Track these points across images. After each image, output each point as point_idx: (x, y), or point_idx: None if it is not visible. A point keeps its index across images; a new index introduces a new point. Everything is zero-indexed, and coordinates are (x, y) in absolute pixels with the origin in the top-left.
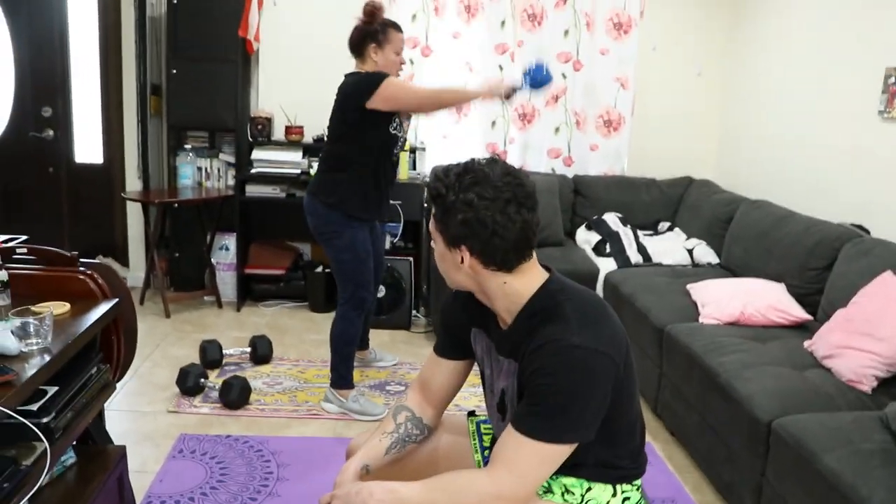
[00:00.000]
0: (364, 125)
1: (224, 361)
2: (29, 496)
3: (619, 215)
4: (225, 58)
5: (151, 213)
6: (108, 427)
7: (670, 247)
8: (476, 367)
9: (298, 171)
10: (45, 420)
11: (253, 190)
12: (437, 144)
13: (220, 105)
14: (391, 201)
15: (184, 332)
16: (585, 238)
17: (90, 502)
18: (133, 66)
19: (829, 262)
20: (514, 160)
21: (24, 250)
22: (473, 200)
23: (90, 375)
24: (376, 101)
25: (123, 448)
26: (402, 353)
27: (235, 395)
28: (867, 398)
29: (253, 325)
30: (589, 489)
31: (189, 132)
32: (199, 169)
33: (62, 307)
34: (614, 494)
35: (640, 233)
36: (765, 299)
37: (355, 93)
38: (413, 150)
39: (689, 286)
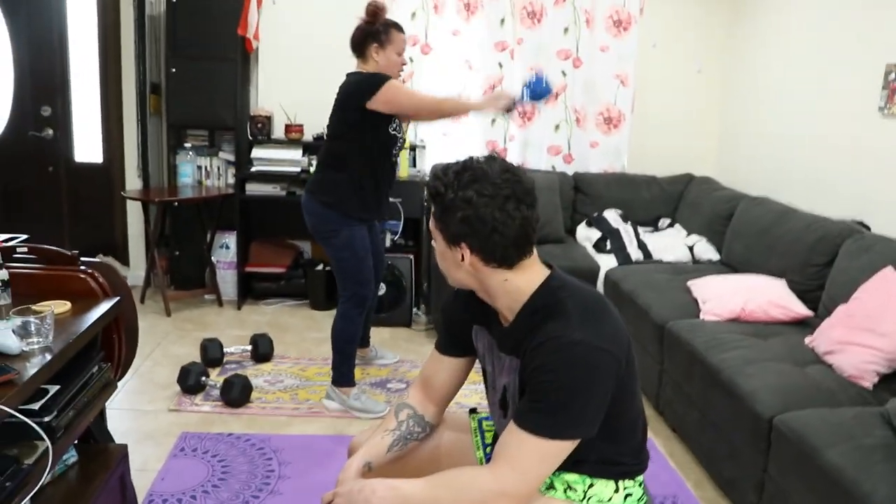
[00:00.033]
0: (364, 125)
1: (225, 360)
2: (31, 495)
3: (620, 212)
4: (224, 56)
5: (151, 211)
6: (109, 426)
7: (671, 243)
8: (477, 365)
9: (298, 170)
10: (46, 419)
11: (253, 188)
12: (437, 142)
13: (219, 103)
14: (391, 199)
15: (184, 330)
16: (586, 235)
17: (92, 501)
18: (132, 64)
19: (829, 258)
20: (514, 158)
21: (25, 249)
22: (472, 198)
23: (91, 374)
24: (377, 103)
25: (125, 447)
26: (403, 350)
27: (237, 394)
28: (868, 394)
29: (254, 323)
30: (591, 485)
31: (189, 131)
32: (199, 167)
33: (63, 306)
34: (616, 490)
35: (640, 230)
36: (766, 295)
37: (356, 93)
38: (413, 148)
39: (689, 283)
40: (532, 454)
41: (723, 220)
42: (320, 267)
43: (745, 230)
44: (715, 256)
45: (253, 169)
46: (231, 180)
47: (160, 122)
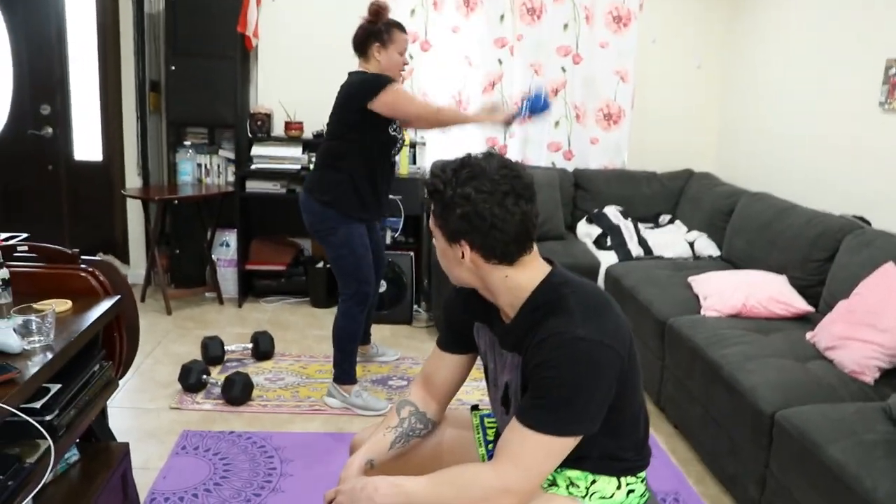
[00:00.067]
0: (364, 125)
1: (226, 358)
2: (33, 494)
3: (620, 208)
4: (224, 54)
5: (151, 209)
6: (110, 424)
7: (671, 240)
8: (479, 362)
9: (298, 167)
10: (48, 418)
11: (253, 186)
12: (436, 139)
13: (219, 101)
14: (391, 196)
15: (185, 328)
16: (586, 231)
17: (94, 499)
18: (132, 62)
19: (830, 253)
20: (514, 154)
21: (25, 248)
22: (471, 194)
23: (93, 373)
24: (377, 105)
25: (127, 445)
26: (404, 347)
27: (238, 392)
28: (870, 389)
29: (254, 321)
30: (594, 482)
31: (188, 128)
32: (199, 165)
33: (64, 304)
34: (619, 487)
35: (640, 226)
36: (766, 291)
37: (358, 93)
38: (413, 145)
39: (690, 279)
40: (535, 451)
41: (723, 215)
42: (321, 264)
43: (746, 226)
44: (715, 252)
45: (253, 166)
46: (231, 178)
47: (160, 119)
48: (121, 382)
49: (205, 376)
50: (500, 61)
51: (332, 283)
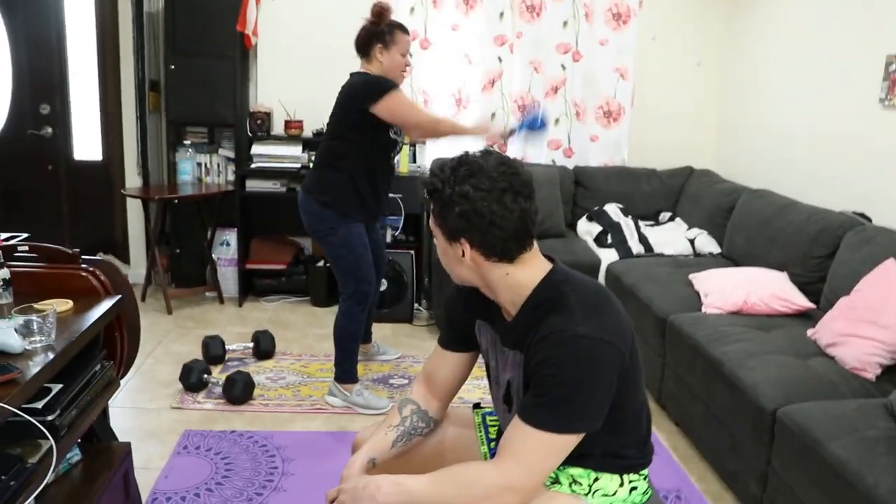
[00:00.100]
0: (364, 126)
1: (227, 357)
2: (35, 494)
3: (621, 206)
4: (223, 53)
5: (151, 209)
6: (112, 424)
7: (672, 237)
8: (480, 360)
9: (298, 166)
10: (49, 418)
11: (253, 185)
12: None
13: (219, 100)
14: (392, 194)
15: (186, 328)
16: (587, 229)
17: (96, 499)
18: (131, 62)
19: (831, 250)
20: (514, 152)
21: (26, 248)
22: (469, 192)
23: (94, 372)
24: (378, 109)
25: (128, 445)
26: (405, 346)
27: (239, 391)
28: (871, 386)
29: (255, 320)
30: (596, 479)
31: (188, 128)
32: (199, 164)
33: (65, 304)
34: (621, 484)
35: (641, 223)
36: (767, 288)
37: (359, 95)
38: (413, 144)
39: (691, 276)
40: (537, 448)
41: (723, 212)
42: (321, 263)
43: (746, 223)
44: (716, 249)
45: (253, 165)
46: (231, 177)
47: (159, 119)
48: (122, 382)
49: (206, 376)
50: (499, 59)
51: (332, 282)
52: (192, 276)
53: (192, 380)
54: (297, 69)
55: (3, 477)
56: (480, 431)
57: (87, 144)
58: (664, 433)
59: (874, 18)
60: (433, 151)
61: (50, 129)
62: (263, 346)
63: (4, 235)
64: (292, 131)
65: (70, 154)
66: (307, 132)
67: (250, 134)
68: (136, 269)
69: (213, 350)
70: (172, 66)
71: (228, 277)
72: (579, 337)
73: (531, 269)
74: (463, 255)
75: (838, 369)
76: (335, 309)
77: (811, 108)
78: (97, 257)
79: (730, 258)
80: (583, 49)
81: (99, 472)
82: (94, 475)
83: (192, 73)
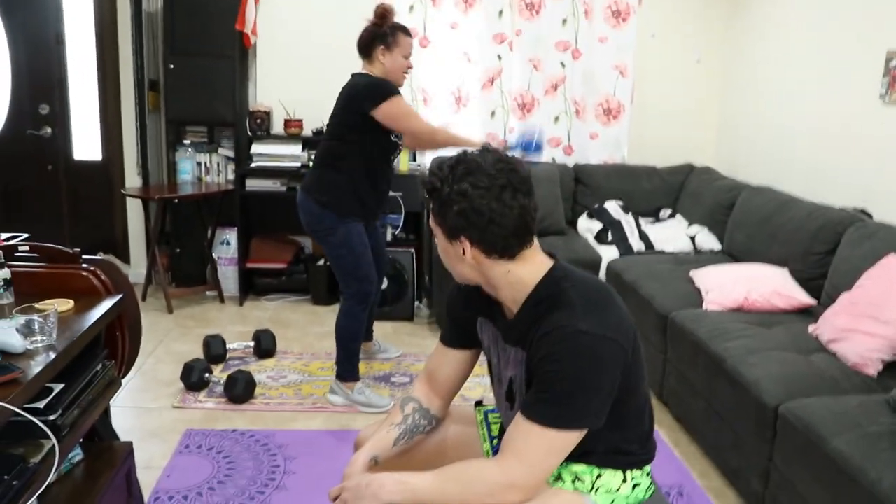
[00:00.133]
0: (364, 128)
1: (228, 356)
2: (38, 494)
3: (621, 203)
4: (222, 52)
5: (151, 209)
6: (113, 424)
7: (672, 234)
8: (482, 357)
9: (298, 165)
10: (52, 417)
11: (253, 184)
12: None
13: (218, 99)
14: (392, 193)
15: (186, 327)
16: (587, 226)
17: (98, 499)
18: (130, 62)
19: (832, 246)
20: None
21: (27, 248)
22: (468, 190)
23: (95, 372)
24: (378, 113)
25: (130, 444)
26: (406, 344)
27: (240, 390)
28: (873, 382)
29: (255, 319)
30: (599, 476)
31: (188, 127)
32: (199, 164)
33: (66, 304)
34: (624, 481)
35: (641, 220)
36: (768, 284)
37: (360, 97)
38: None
39: (692, 273)
40: (539, 445)
41: (724, 209)
42: (321, 262)
43: (747, 219)
44: (717, 246)
45: (253, 164)
46: (231, 176)
47: (159, 118)
48: (123, 382)
49: (207, 375)
50: (499, 57)
51: (332, 281)
52: (193, 275)
53: (194, 379)
54: (296, 68)
55: (5, 477)
56: (483, 429)
57: (86, 144)
58: (666, 430)
59: (874, 14)
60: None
61: (49, 129)
62: (264, 345)
63: (5, 235)
64: (292, 130)
65: (70, 154)
66: (307, 131)
67: (250, 133)
68: (136, 269)
69: (214, 349)
70: (172, 66)
71: (229, 276)
72: (581, 333)
73: (532, 266)
74: (464, 253)
75: (840, 365)
76: (336, 307)
77: (811, 105)
78: (98, 257)
79: (730, 255)
80: (582, 47)
81: (101, 472)
82: (96, 475)
83: (192, 73)
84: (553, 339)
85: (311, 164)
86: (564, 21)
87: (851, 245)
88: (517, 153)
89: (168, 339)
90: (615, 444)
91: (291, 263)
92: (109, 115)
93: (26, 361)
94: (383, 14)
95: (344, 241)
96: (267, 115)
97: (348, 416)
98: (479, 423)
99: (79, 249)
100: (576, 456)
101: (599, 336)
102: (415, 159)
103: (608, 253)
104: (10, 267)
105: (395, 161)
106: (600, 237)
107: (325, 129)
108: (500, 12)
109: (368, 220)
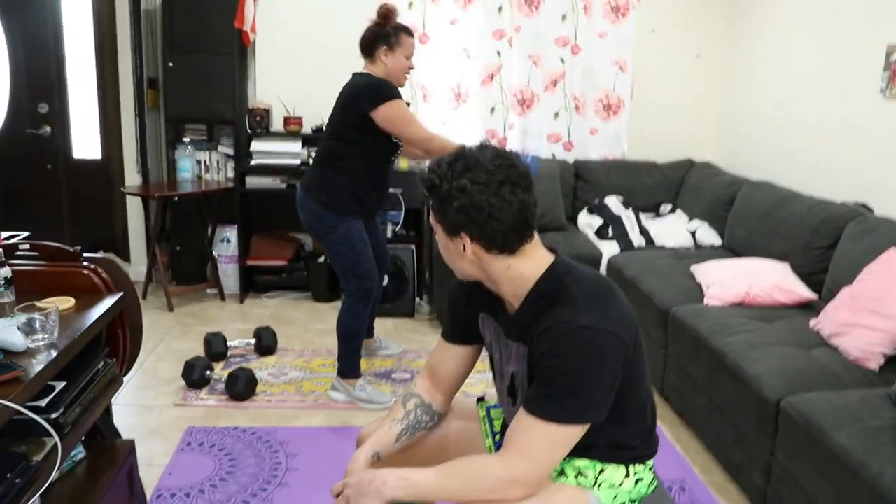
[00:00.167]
0: (365, 129)
1: (229, 354)
2: (41, 492)
3: (621, 199)
4: (221, 50)
5: (151, 207)
6: (115, 422)
7: (673, 229)
8: (484, 353)
9: (298, 162)
10: (54, 415)
11: (253, 181)
12: (436, 131)
13: (217, 97)
14: (392, 189)
15: (187, 325)
16: (587, 222)
17: (101, 496)
18: (129, 60)
19: (833, 240)
20: (514, 146)
21: (27, 246)
22: (466, 186)
23: (97, 370)
24: (376, 115)
25: (132, 442)
26: (407, 340)
27: (242, 387)
28: (874, 376)
29: (256, 316)
30: (602, 471)
31: (187, 125)
32: (199, 162)
33: (67, 302)
34: (627, 475)
35: (642, 216)
36: (769, 279)
37: (360, 98)
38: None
39: (692, 268)
40: (542, 441)
41: (724, 204)
42: (322, 259)
43: (747, 214)
44: (717, 241)
45: (252, 162)
46: (230, 174)
47: (158, 116)
48: (124, 380)
49: (208, 372)
50: (498, 53)
51: (333, 278)
52: (193, 273)
53: (195, 377)
54: (295, 65)
55: (8, 475)
56: (485, 424)
57: (86, 143)
58: (667, 425)
59: (874, 8)
60: None
61: (49, 129)
62: (265, 343)
63: (6, 234)
64: (291, 127)
65: (69, 153)
66: (306, 128)
67: (249, 131)
68: (136, 267)
69: (215, 347)
70: (171, 64)
71: (229, 274)
72: (583, 328)
73: (533, 262)
74: (464, 249)
75: (841, 359)
76: (336, 304)
77: (812, 99)
78: (98, 255)
79: (731, 250)
80: (582, 42)
81: (103, 470)
82: (98, 472)
83: (191, 71)
84: (555, 334)
85: (310, 161)
86: (564, 17)
87: (852, 239)
88: None
89: (169, 336)
90: (617, 439)
91: (292, 260)
92: (109, 114)
93: (28, 360)
94: (387, 14)
95: (344, 239)
96: (266, 113)
97: (350, 412)
98: (481, 419)
99: (80, 247)
100: (578, 451)
101: (601, 330)
102: None
103: (609, 248)
104: (10, 266)
105: (395, 162)
106: (601, 233)
107: (325, 128)
108: (500, 8)
109: (368, 218)
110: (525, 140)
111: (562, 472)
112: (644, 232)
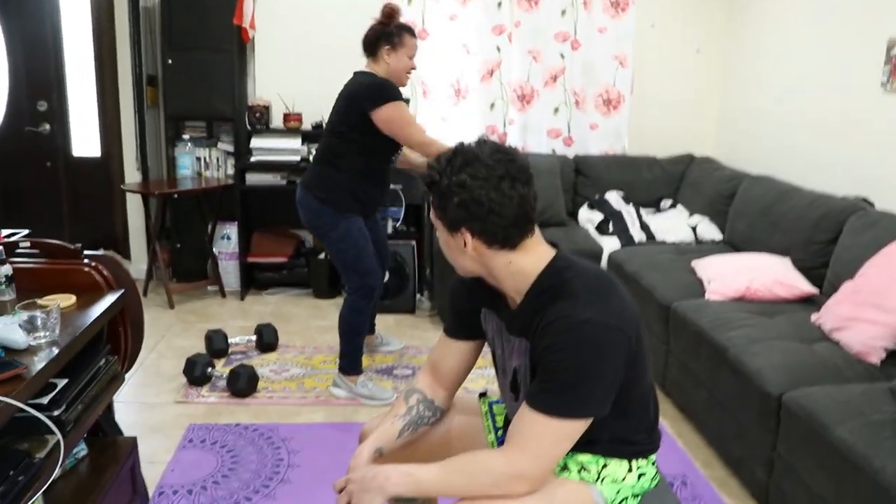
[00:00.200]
0: (365, 128)
1: (230, 350)
2: (44, 489)
3: (622, 194)
4: (220, 47)
5: (151, 204)
6: (117, 419)
7: (673, 224)
8: (486, 349)
9: (298, 158)
10: (56, 413)
11: (253, 178)
12: (436, 127)
13: (217, 94)
14: (392, 185)
15: (188, 322)
16: (588, 217)
17: (103, 493)
18: (128, 57)
19: (834, 235)
20: (514, 141)
21: (28, 244)
22: (466, 181)
23: (99, 367)
24: (376, 115)
25: (134, 439)
26: (408, 337)
27: (243, 384)
28: (876, 370)
29: (257, 313)
30: (605, 466)
31: (187, 122)
32: (198, 159)
33: (68, 300)
34: (630, 470)
35: (642, 211)
36: (770, 274)
37: (361, 97)
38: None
39: (693, 263)
40: (545, 435)
41: (725, 199)
42: (322, 255)
43: (748, 209)
44: (718, 236)
45: (252, 159)
46: (230, 171)
47: (158, 114)
48: (126, 377)
49: (209, 369)
50: (498, 48)
51: (334, 274)
52: (194, 270)
53: (196, 374)
54: (295, 62)
55: (11, 472)
56: (487, 420)
57: (85, 141)
58: (669, 420)
59: (875, 2)
60: None
61: (48, 126)
62: (266, 339)
63: (6, 232)
64: (291, 124)
65: (68, 151)
66: (306, 125)
67: (249, 127)
68: (137, 265)
69: (217, 344)
70: (170, 61)
71: (230, 271)
72: (584, 322)
73: (534, 257)
74: (465, 245)
75: (843, 354)
76: (337, 301)
77: (812, 93)
78: (99, 252)
79: (732, 244)
80: (581, 37)
81: (106, 467)
82: (100, 469)
83: (190, 68)
84: (557, 329)
85: (310, 157)
86: (563, 12)
87: (853, 233)
88: None
89: (170, 334)
90: (620, 434)
91: (292, 257)
92: (108, 112)
93: (29, 357)
94: (390, 14)
95: (344, 236)
96: (266, 110)
97: (351, 408)
98: (483, 415)
99: (80, 244)
100: (581, 445)
101: (602, 324)
102: None
103: (609, 244)
104: (11, 263)
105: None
106: (601, 228)
107: (325, 125)
108: (499, 4)
109: (368, 215)
110: (525, 135)
111: (565, 467)
112: (645, 227)
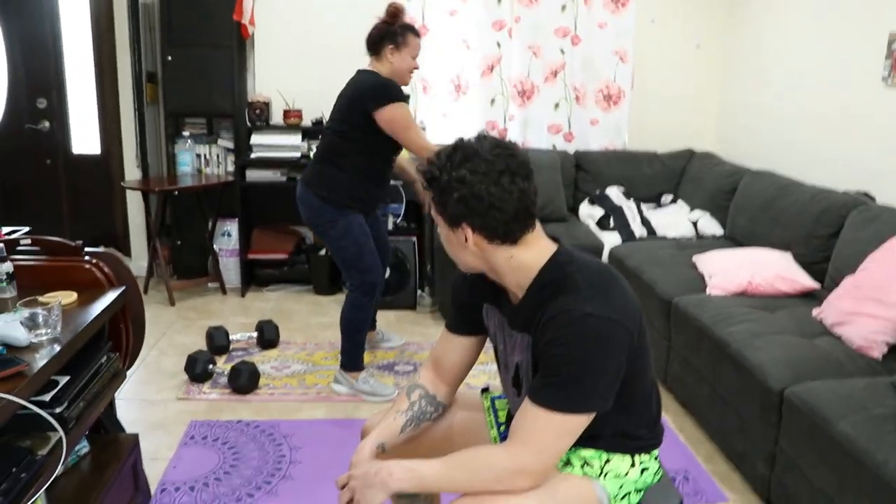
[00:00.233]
0: (367, 128)
1: (231, 347)
2: (46, 486)
3: (622, 189)
4: (220, 43)
5: (152, 201)
6: (118, 416)
7: (674, 219)
8: (487, 344)
9: (298, 155)
10: (58, 410)
11: (253, 175)
12: (437, 123)
13: (217, 91)
14: (393, 182)
15: (189, 319)
16: (589, 213)
17: (105, 490)
18: (127, 54)
19: (835, 229)
20: (514, 137)
21: (28, 241)
22: (466, 176)
23: (100, 364)
24: (378, 115)
25: (136, 436)
26: (409, 333)
27: (245, 380)
28: (878, 364)
29: (258, 310)
30: (608, 461)
31: (186, 119)
32: (199, 156)
33: (70, 297)
34: (633, 465)
35: (643, 206)
36: (772, 269)
37: (364, 96)
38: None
39: (694, 258)
40: (547, 430)
41: (725, 194)
42: (323, 252)
43: (749, 204)
44: (719, 231)
45: (252, 155)
46: (231, 167)
47: (157, 110)
48: (127, 374)
49: (211, 366)
50: (498, 44)
51: (334, 271)
52: (194, 267)
53: (198, 370)
54: (294, 58)
55: (13, 469)
56: (489, 415)
57: (85, 138)
58: (671, 415)
59: None
60: (434, 137)
61: (47, 124)
62: (267, 336)
63: (7, 229)
64: (291, 120)
65: (68, 148)
66: (306, 121)
67: (249, 124)
68: (137, 262)
69: (218, 340)
70: (169, 58)
71: (230, 268)
72: (587, 316)
73: (535, 251)
74: (466, 240)
75: (844, 348)
76: (338, 297)
77: (813, 88)
78: (100, 249)
79: (733, 239)
80: (581, 33)
81: (108, 464)
82: (103, 467)
83: (190, 64)
84: (559, 323)
85: (310, 154)
86: (563, 7)
87: (855, 228)
88: None
89: (171, 331)
90: (623, 428)
91: (293, 254)
92: (108, 109)
93: (31, 354)
94: (395, 13)
95: (345, 233)
96: (266, 106)
97: (353, 405)
98: (485, 410)
99: (81, 242)
100: (584, 440)
101: (605, 318)
102: None
103: (610, 239)
104: (12, 261)
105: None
106: (602, 223)
107: (326, 123)
108: None
109: (368, 211)
110: (526, 131)
111: (567, 462)
112: (645, 222)
